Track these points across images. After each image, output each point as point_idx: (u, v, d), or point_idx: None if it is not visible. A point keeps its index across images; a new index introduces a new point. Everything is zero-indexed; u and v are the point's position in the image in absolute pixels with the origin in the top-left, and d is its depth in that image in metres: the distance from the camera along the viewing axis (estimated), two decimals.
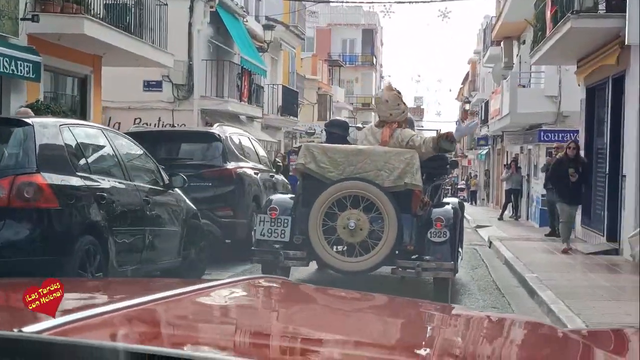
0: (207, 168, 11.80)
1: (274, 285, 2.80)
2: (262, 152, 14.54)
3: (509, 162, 28.43)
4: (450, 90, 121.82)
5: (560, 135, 23.14)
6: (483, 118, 39.93)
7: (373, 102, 11.00)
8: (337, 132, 9.87)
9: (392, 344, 2.03)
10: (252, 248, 9.17)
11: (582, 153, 17.93)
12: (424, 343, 2.06)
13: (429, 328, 2.32)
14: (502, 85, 27.17)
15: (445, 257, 8.57)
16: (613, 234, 14.37)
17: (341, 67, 65.62)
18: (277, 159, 21.11)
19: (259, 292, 2.66)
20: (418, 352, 1.91)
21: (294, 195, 9.58)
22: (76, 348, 1.50)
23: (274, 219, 8.91)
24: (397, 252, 8.64)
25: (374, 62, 72.48)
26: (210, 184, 11.66)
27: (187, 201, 9.85)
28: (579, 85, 17.72)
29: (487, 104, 37.96)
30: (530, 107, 23.80)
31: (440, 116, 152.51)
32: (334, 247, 8.67)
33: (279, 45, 33.03)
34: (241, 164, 12.34)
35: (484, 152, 45.85)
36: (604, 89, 16.57)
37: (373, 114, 71.09)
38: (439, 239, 8.60)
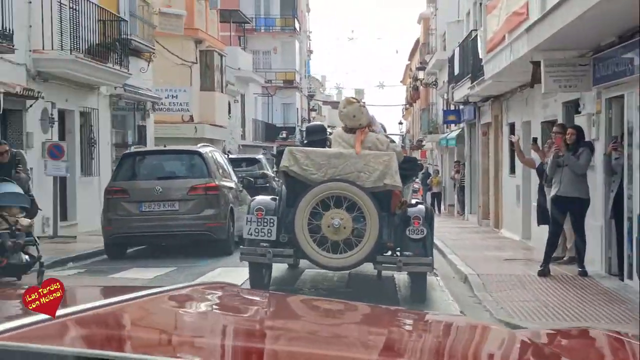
0: None
1: (224, 292, 2.72)
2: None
3: (552, 134, 12.22)
4: (397, 52, 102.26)
5: None
6: (457, 72, 23.71)
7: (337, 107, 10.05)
8: (315, 138, 10.38)
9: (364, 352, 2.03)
10: (242, 247, 9.83)
11: None
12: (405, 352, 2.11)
13: (410, 337, 2.36)
14: None
15: (424, 253, 9.36)
16: None
17: (251, 31, 49.15)
18: None
19: (212, 299, 2.58)
20: None
21: (274, 197, 10.02)
22: (28, 354, 1.51)
23: (260, 219, 9.41)
24: (378, 248, 9.33)
25: (297, 27, 55.75)
26: None
27: None
28: None
29: (466, 45, 21.79)
30: None
31: (384, 90, 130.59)
32: (320, 245, 9.22)
33: None
34: None
35: (454, 134, 29.58)
36: None
37: (298, 94, 54.91)
38: (417, 235, 9.32)
